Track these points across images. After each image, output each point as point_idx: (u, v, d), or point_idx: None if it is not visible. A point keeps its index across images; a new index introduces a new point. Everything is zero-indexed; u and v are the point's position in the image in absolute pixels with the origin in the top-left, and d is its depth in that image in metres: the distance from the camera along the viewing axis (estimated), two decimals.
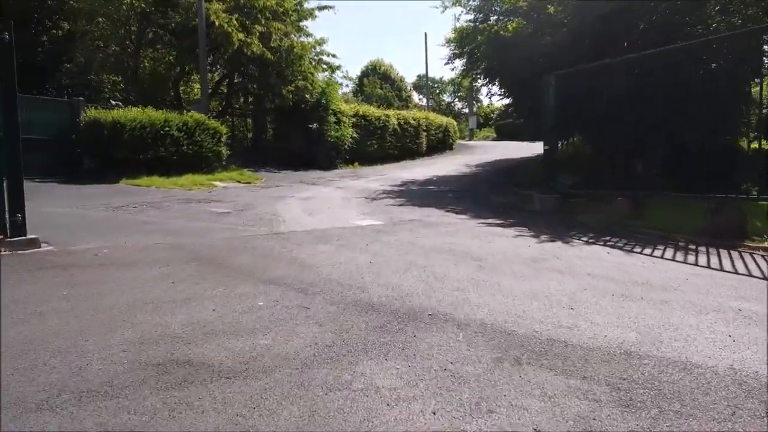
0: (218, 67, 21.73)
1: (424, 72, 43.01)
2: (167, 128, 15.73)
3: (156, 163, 15.39)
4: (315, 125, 20.72)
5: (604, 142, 11.86)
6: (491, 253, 6.61)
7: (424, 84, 44.26)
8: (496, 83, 17.66)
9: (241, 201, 11.55)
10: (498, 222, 9.30)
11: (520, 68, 14.23)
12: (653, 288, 5.14)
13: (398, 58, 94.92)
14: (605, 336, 3.73)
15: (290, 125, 21.19)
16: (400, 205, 11.19)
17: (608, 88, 10.53)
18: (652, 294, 4.90)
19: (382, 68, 44.26)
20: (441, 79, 48.73)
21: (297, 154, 20.94)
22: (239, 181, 16.73)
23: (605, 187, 11.11)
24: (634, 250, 7.15)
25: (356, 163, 22.42)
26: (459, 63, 17.82)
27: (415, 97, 47.99)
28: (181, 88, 23.75)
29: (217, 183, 15.84)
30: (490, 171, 19.77)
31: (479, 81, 18.48)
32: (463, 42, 16.59)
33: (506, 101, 18.41)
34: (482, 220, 9.40)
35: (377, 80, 39.75)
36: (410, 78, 49.83)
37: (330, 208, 10.64)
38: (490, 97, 19.79)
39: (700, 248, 7.35)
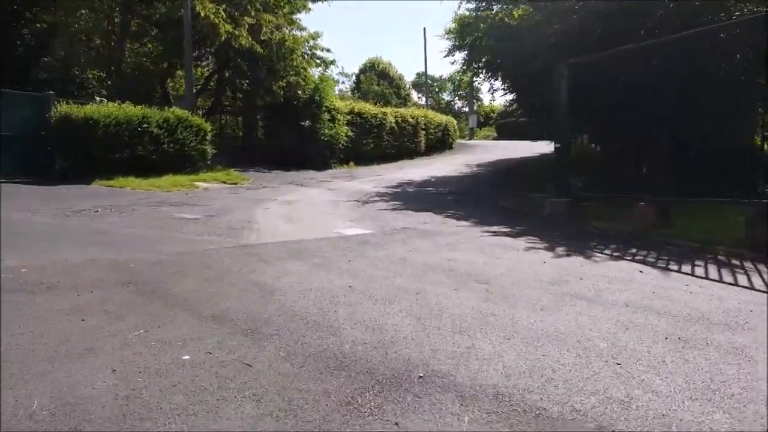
0: (206, 61, 20.47)
1: (423, 70, 41.73)
2: (146, 125, 14.46)
3: (134, 162, 14.14)
4: (307, 123, 19.47)
5: (623, 141, 10.64)
6: (500, 273, 5.36)
7: (423, 82, 42.97)
8: (499, 78, 16.42)
9: (218, 205, 10.31)
10: (504, 230, 8.06)
11: (525, 61, 12.98)
12: (714, 325, 3.89)
13: (397, 57, 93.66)
14: (680, 419, 2.49)
15: (282, 123, 19.94)
16: (394, 209, 9.94)
17: (628, 80, 9.34)
18: (716, 335, 3.66)
19: (381, 66, 42.95)
20: (441, 77, 47.48)
21: (289, 153, 19.70)
22: (224, 182, 15.49)
23: (621, 189, 9.92)
24: (671, 267, 5.90)
25: (351, 163, 21.18)
26: (459, 56, 16.62)
27: (414, 95, 46.75)
28: (170, 84, 22.50)
29: (199, 184, 14.60)
30: (492, 171, 18.51)
31: (480, 76, 17.23)
32: (464, 32, 15.31)
33: (509, 97, 17.18)
34: (486, 228, 8.15)
35: (374, 77, 38.40)
36: (409, 77, 48.53)
37: (314, 213, 9.40)
38: (492, 93, 18.89)
39: (746, 264, 6.11)
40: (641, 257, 6.44)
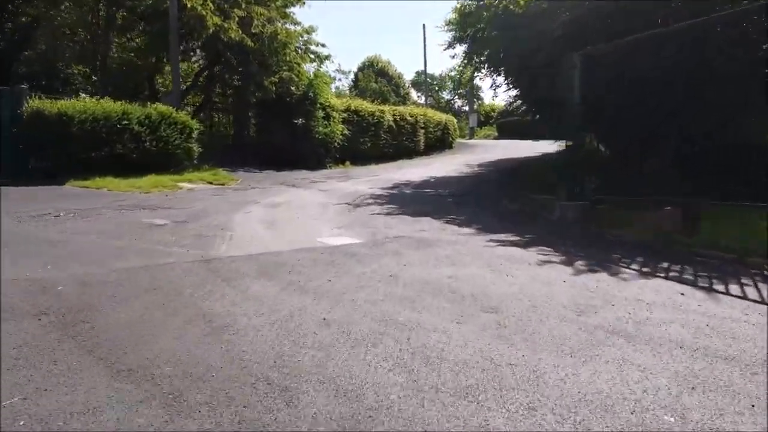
0: (195, 56, 19.40)
1: (422, 68, 40.59)
2: (126, 122, 13.46)
3: (114, 161, 13.13)
4: (301, 120, 18.43)
5: (635, 140, 9.63)
6: (512, 296, 4.35)
7: (422, 81, 41.90)
8: (501, 73, 15.36)
9: (196, 208, 9.29)
10: (512, 239, 7.03)
11: (531, 54, 11.94)
12: None
13: (397, 57, 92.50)
14: None
15: (274, 121, 18.90)
16: (389, 214, 8.91)
17: (640, 73, 8.36)
18: None
19: (380, 64, 41.85)
20: (440, 75, 46.40)
21: (281, 152, 18.66)
22: (211, 183, 14.47)
23: (633, 191, 8.95)
24: (716, 287, 4.88)
25: (347, 163, 20.14)
26: (460, 50, 15.55)
27: (414, 94, 45.66)
28: (159, 80, 21.46)
29: (183, 184, 13.58)
30: (495, 171, 17.46)
31: (482, 71, 16.20)
32: (465, 23, 14.25)
33: (513, 93, 16.11)
34: (492, 236, 7.12)
35: (372, 74, 37.28)
36: (408, 76, 47.43)
37: (300, 218, 8.37)
38: (494, 89, 17.76)
39: None
40: (676, 273, 5.42)
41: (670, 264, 5.80)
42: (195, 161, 15.54)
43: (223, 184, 14.43)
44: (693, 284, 4.98)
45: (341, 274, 4.95)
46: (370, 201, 10.53)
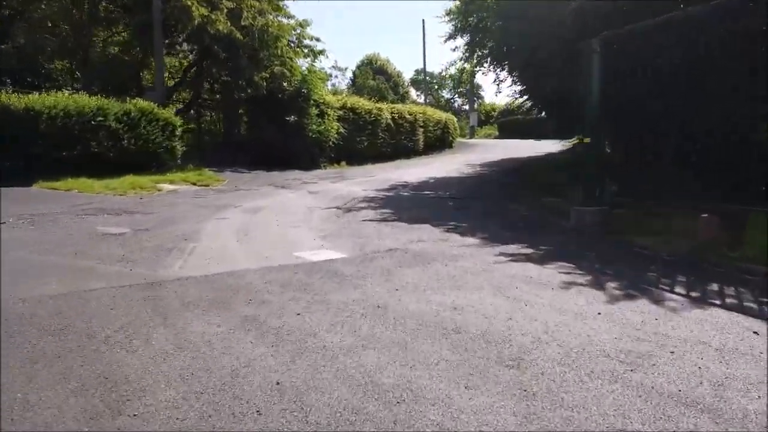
0: (182, 50, 18.24)
1: (422, 66, 39.33)
2: (101, 118, 12.36)
3: (90, 160, 12.05)
4: (293, 118, 17.32)
5: (653, 135, 8.56)
6: (537, 338, 3.26)
7: (422, 80, 40.75)
8: (505, 67, 14.25)
9: (166, 213, 8.20)
10: (525, 251, 5.94)
11: (539, 44, 10.83)
12: None
13: (396, 56, 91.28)
14: None
15: (265, 118, 17.78)
16: (383, 220, 7.81)
17: (659, 62, 7.31)
18: None
19: (379, 62, 40.64)
20: (440, 73, 45.19)
21: (273, 151, 17.54)
22: (194, 183, 13.36)
23: (651, 194, 7.90)
24: None
25: (343, 163, 19.03)
26: (462, 41, 14.40)
27: (413, 93, 44.47)
28: (148, 76, 20.31)
29: (163, 186, 12.49)
30: (498, 172, 16.33)
31: (485, 65, 15.09)
32: (467, 11, 13.11)
33: (518, 88, 14.96)
34: (501, 248, 6.03)
35: (369, 71, 36.06)
36: (408, 75, 46.25)
37: (280, 225, 7.26)
38: (498, 84, 16.67)
39: None
40: (733, 300, 4.33)
41: (721, 286, 4.71)
42: (179, 161, 14.44)
43: (207, 185, 13.34)
44: (762, 316, 3.88)
45: (315, 304, 3.86)
46: (363, 205, 9.43)
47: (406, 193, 11.43)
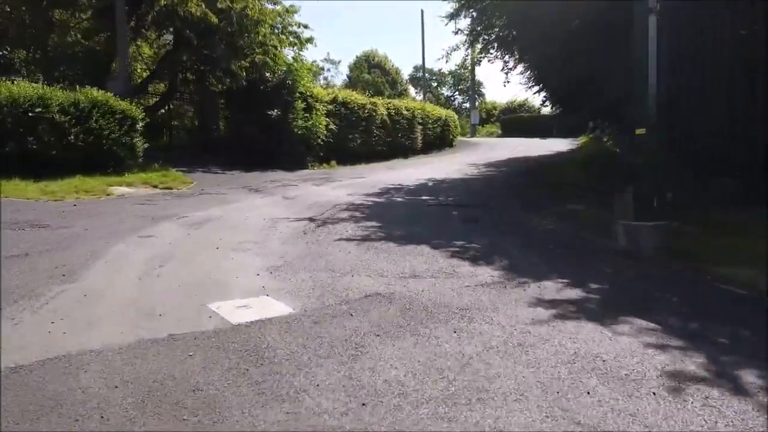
0: (149, 34, 15.99)
1: (420, 62, 37.02)
2: (42, 109, 10.26)
3: (25, 159, 9.96)
4: (276, 112, 15.20)
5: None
6: None
7: (421, 77, 38.57)
8: (516, 52, 12.14)
9: (79, 229, 6.09)
10: (572, 295, 3.85)
11: (564, 16, 8.70)
12: None
13: (394, 56, 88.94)
14: None
15: (245, 112, 15.67)
16: (363, 240, 5.69)
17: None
18: None
19: (377, 59, 38.43)
20: (440, 70, 42.95)
21: (255, 149, 15.45)
22: (155, 186, 11.26)
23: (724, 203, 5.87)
24: None
25: (333, 162, 16.92)
26: (465, 23, 12.25)
27: (412, 91, 42.22)
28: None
29: (116, 189, 10.38)
30: (507, 173, 14.18)
31: (491, 51, 12.98)
32: None
33: (526, 75, 12.78)
34: (534, 288, 3.94)
35: (365, 64, 33.79)
36: (407, 71, 44.01)
37: (220, 248, 5.14)
38: (507, 72, 14.93)
39: None
40: None
41: None
42: (141, 159, 12.31)
43: (170, 188, 11.24)
44: None
45: None
46: (345, 215, 7.32)
47: (400, 199, 9.31)
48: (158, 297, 3.58)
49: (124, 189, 10.63)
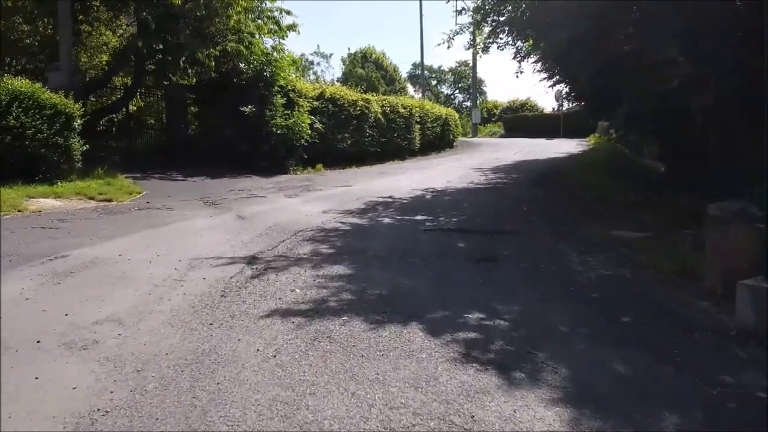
0: (93, 12, 13.53)
1: (419, 58, 34.63)
2: None
3: None
4: (250, 108, 12.85)
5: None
6: None
7: (419, 75, 36.20)
8: (531, 34, 9.81)
9: None
10: None
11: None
12: None
13: (394, 55, 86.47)
14: None
15: (216, 109, 13.37)
16: (314, 313, 3.38)
17: None
18: None
19: (374, 56, 36.10)
20: (440, 67, 40.53)
21: (228, 151, 13.19)
22: (92, 198, 8.92)
23: None
24: None
25: (319, 165, 14.59)
26: (470, 2, 9.97)
27: (410, 90, 39.92)
28: (83, 58, 15.79)
29: (39, 202, 8.12)
30: (520, 181, 11.77)
31: (501, 37, 10.65)
32: None
33: (541, 64, 10.43)
34: None
35: (358, 59, 31.37)
36: (405, 69, 41.58)
37: (43, 349, 2.85)
38: (519, 62, 13.02)
39: None
40: None
41: None
42: (79, 164, 9.99)
43: (109, 200, 8.92)
44: None
45: None
46: (303, 251, 4.99)
47: (387, 220, 6.96)
48: None
49: (48, 202, 8.33)
